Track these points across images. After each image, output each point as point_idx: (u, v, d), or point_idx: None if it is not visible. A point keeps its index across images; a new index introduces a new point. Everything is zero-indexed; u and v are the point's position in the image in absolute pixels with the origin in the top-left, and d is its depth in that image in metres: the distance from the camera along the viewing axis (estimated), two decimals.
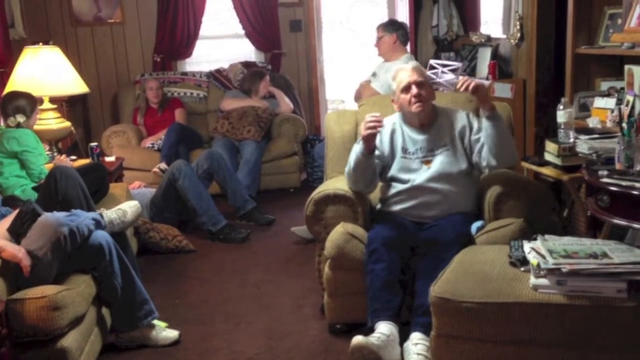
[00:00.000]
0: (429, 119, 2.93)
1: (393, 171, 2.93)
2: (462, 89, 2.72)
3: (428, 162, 2.88)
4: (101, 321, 2.78)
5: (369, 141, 2.75)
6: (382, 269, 2.60)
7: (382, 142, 2.94)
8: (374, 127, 2.69)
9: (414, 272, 2.64)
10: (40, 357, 2.37)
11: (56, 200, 2.97)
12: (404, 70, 2.95)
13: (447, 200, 2.84)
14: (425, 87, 2.90)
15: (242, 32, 6.00)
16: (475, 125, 2.90)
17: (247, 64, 5.90)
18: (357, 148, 2.80)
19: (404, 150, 2.93)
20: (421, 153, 2.90)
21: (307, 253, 3.75)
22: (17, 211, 2.66)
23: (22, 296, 2.37)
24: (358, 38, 7.69)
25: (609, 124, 3.29)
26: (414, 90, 2.86)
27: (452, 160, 2.87)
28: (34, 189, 3.41)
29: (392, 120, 3.00)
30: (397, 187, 2.91)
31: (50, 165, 3.77)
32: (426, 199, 2.85)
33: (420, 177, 2.86)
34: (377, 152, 2.87)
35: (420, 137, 2.92)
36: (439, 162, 2.87)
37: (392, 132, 2.97)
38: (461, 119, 2.93)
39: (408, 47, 5.05)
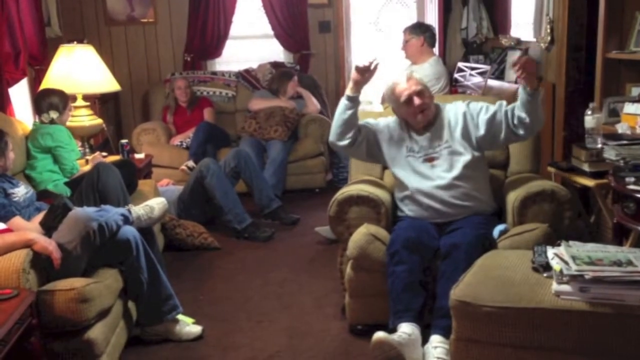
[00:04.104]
0: (432, 119, 2.94)
1: (400, 172, 2.95)
2: (520, 74, 2.68)
3: (431, 160, 2.90)
4: (127, 314, 2.84)
5: (358, 77, 2.85)
6: (403, 270, 2.61)
7: (384, 132, 2.99)
8: (368, 67, 2.82)
9: (435, 273, 2.65)
10: (68, 347, 2.44)
11: (96, 188, 3.13)
12: (400, 83, 2.92)
13: (459, 198, 2.84)
14: (425, 93, 2.90)
15: (272, 32, 6.04)
16: (477, 108, 2.90)
17: (275, 65, 5.94)
18: (344, 97, 2.92)
19: (410, 149, 2.95)
20: (423, 151, 2.92)
21: (330, 253, 3.76)
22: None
23: (52, 288, 2.44)
24: (387, 39, 7.68)
25: (638, 130, 3.24)
26: (417, 101, 2.86)
27: (455, 156, 2.88)
28: (66, 184, 3.50)
29: (399, 120, 3.02)
30: (408, 189, 2.92)
31: (82, 161, 3.87)
32: (439, 200, 2.86)
33: (429, 179, 2.88)
34: (367, 126, 2.99)
35: (421, 137, 2.95)
36: (443, 162, 2.88)
37: (398, 128, 2.99)
38: (461, 112, 2.93)
39: (436, 50, 5.04)
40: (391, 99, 2.96)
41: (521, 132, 2.81)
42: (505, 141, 2.93)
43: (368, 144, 2.99)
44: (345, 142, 2.95)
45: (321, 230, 4.16)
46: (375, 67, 2.86)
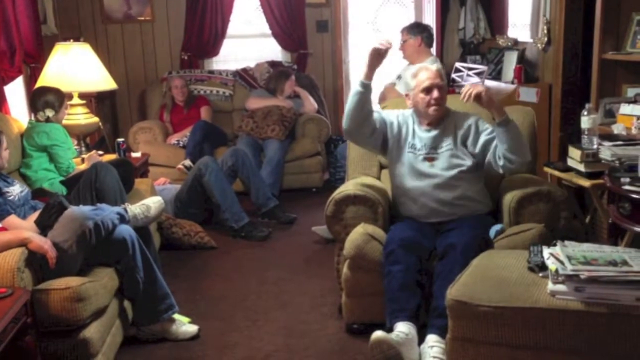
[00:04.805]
0: (439, 119, 2.94)
1: (398, 168, 2.95)
2: (465, 100, 2.75)
3: (431, 159, 2.90)
4: (123, 314, 2.84)
5: (374, 60, 2.79)
6: (399, 270, 2.61)
7: (393, 124, 2.98)
8: (383, 48, 2.77)
9: (431, 273, 2.65)
10: (63, 346, 2.43)
11: (93, 187, 3.13)
12: (427, 70, 2.93)
13: (456, 198, 2.85)
14: (444, 91, 2.91)
15: (269, 31, 6.04)
16: (484, 127, 2.90)
17: (273, 64, 5.94)
18: (356, 84, 2.86)
19: (412, 146, 2.95)
20: (425, 150, 2.92)
21: (326, 253, 3.77)
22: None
23: (47, 287, 2.43)
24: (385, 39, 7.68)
25: (634, 131, 3.26)
26: (435, 93, 2.87)
27: (455, 159, 2.88)
28: (61, 182, 3.49)
29: (406, 114, 3.02)
30: (404, 185, 2.93)
31: (78, 160, 3.86)
32: (434, 198, 2.86)
33: (426, 177, 2.88)
34: (380, 115, 2.95)
35: (426, 135, 2.94)
36: (442, 162, 2.88)
37: (404, 123, 2.99)
38: (468, 123, 2.92)
39: (434, 50, 5.04)
40: (412, 80, 2.93)
41: (500, 162, 2.79)
42: (487, 167, 2.90)
43: (382, 136, 2.97)
44: (365, 131, 2.90)
45: (318, 230, 4.16)
46: (387, 50, 2.81)
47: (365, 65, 2.84)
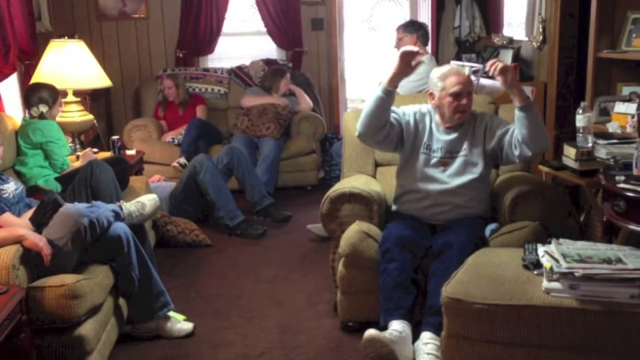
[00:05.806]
0: (460, 124, 2.92)
1: (409, 168, 2.94)
2: (489, 68, 2.68)
3: (445, 164, 2.88)
4: (118, 311, 2.83)
5: (403, 64, 2.70)
6: (394, 268, 2.61)
7: (409, 124, 2.93)
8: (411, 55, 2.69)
9: (427, 272, 2.66)
10: (58, 344, 2.42)
11: (88, 184, 3.12)
12: (457, 74, 2.82)
13: (459, 206, 2.85)
14: (471, 98, 2.86)
15: (264, 29, 6.04)
16: (498, 122, 2.88)
17: (268, 62, 5.93)
18: (378, 88, 2.75)
19: (427, 146, 2.92)
20: (440, 153, 2.90)
21: (322, 251, 3.77)
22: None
23: (42, 284, 2.42)
24: (380, 37, 7.70)
25: (628, 130, 3.27)
26: (464, 100, 2.81)
27: (468, 167, 2.87)
28: (56, 179, 3.48)
29: (423, 111, 2.97)
30: (411, 185, 2.92)
31: (73, 157, 3.85)
32: (439, 202, 2.86)
33: (435, 181, 2.87)
34: (397, 115, 2.88)
35: (443, 138, 2.91)
36: (455, 169, 2.87)
37: (421, 121, 2.95)
38: (484, 121, 2.91)
39: (429, 48, 5.05)
40: (440, 82, 2.84)
41: (516, 152, 2.76)
42: (506, 159, 2.88)
43: (397, 138, 2.92)
44: (379, 137, 2.84)
45: (313, 228, 4.16)
46: (417, 64, 2.75)
47: (392, 70, 2.73)
